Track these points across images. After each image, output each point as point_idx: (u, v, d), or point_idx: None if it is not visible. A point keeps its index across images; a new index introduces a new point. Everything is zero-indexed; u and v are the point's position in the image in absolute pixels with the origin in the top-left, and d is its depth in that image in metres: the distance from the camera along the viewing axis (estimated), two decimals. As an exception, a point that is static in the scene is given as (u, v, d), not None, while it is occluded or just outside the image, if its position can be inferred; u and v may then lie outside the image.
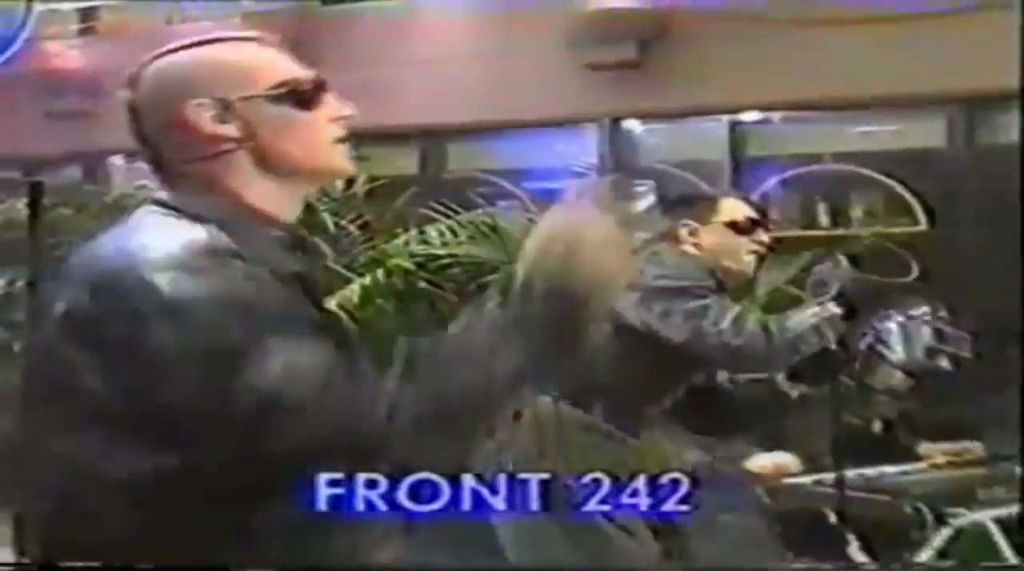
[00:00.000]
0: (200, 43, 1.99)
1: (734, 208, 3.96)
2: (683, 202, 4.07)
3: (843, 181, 8.31)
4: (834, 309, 3.65)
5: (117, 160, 10.45)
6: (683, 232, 3.86)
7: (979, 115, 7.98)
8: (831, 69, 7.83)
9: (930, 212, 7.96)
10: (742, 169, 8.61)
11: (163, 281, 1.75)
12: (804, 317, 3.66)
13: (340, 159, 2.01)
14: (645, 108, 8.75)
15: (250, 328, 1.75)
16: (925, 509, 4.76)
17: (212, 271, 1.79)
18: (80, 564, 1.82)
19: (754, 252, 3.91)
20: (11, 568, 2.12)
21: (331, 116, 1.99)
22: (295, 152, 1.95)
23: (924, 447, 5.50)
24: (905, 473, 5.14)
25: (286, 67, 1.98)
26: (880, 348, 4.12)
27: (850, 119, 8.51)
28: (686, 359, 3.69)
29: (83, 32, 10.99)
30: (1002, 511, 4.97)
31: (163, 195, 1.94)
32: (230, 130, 1.92)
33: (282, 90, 1.95)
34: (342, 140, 2.00)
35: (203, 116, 1.91)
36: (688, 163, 8.41)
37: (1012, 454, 5.31)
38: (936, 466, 5.24)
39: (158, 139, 1.96)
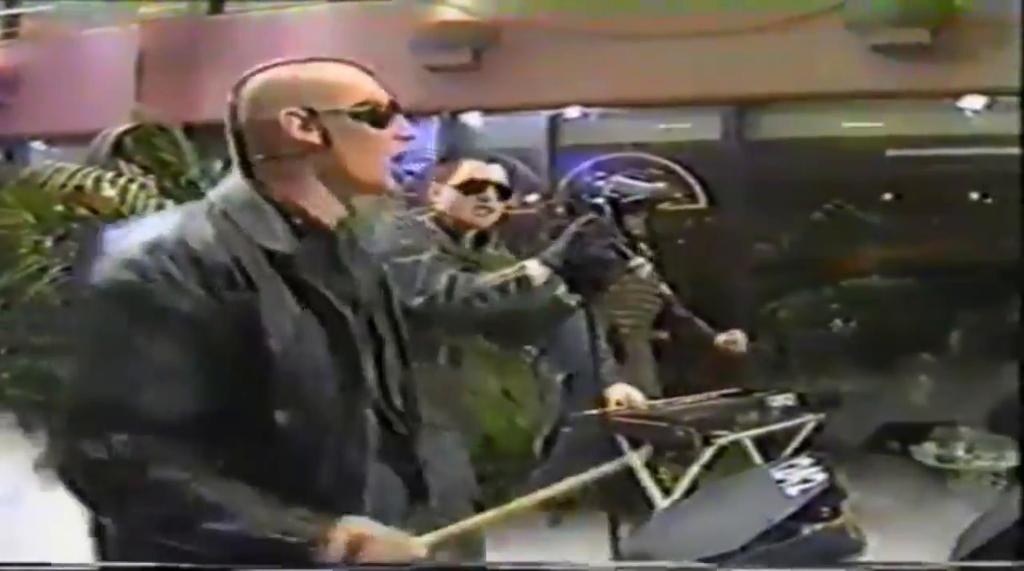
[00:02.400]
0: (303, 62, 1.99)
1: (470, 171, 3.71)
2: (439, 163, 3.95)
3: (640, 166, 8.42)
4: (531, 271, 3.18)
5: (37, 145, 10.31)
6: (430, 190, 3.73)
7: (747, 115, 8.17)
8: (634, 74, 7.94)
9: (708, 193, 8.13)
10: (558, 156, 8.72)
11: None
12: (493, 276, 3.29)
13: (387, 176, 1.98)
14: (478, 104, 8.83)
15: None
16: (694, 432, 4.92)
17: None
18: (90, 564, 1.87)
19: (480, 209, 3.67)
20: (14, 568, 2.07)
21: (397, 135, 1.98)
22: (359, 164, 1.94)
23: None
24: (678, 404, 5.20)
25: (369, 88, 1.97)
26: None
27: (647, 115, 8.65)
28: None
29: (6, 36, 10.78)
30: (755, 432, 5.25)
31: (214, 192, 1.95)
32: (312, 137, 1.91)
33: (363, 108, 1.94)
34: (399, 159, 1.99)
35: (293, 122, 1.91)
36: (514, 150, 8.40)
37: (763, 388, 5.62)
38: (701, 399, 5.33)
39: (248, 136, 1.95)
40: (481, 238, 3.78)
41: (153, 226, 1.90)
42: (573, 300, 3.15)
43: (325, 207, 1.96)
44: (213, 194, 1.96)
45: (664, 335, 5.89)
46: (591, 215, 3.60)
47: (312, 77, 1.96)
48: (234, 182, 1.96)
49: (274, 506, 1.77)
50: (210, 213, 1.91)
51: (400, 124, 1.99)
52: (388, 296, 2.11)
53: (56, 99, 9.63)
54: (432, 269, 3.26)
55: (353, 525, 1.79)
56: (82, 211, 6.63)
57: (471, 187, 3.68)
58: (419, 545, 1.83)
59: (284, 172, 1.93)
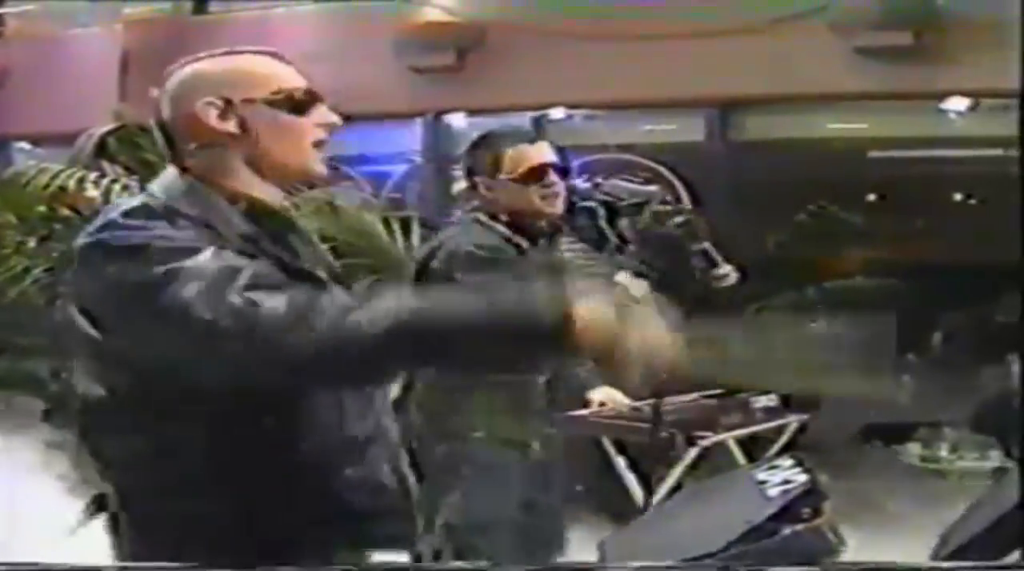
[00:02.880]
0: (222, 54, 2.03)
1: (530, 158, 3.39)
2: (477, 157, 3.49)
3: (623, 167, 8.47)
4: (633, 289, 3.00)
5: (20, 145, 10.27)
6: (480, 186, 3.40)
7: (731, 116, 8.22)
8: (618, 76, 7.98)
9: (692, 193, 8.06)
10: (543, 157, 8.77)
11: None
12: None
13: (315, 162, 2.01)
14: (462, 105, 8.83)
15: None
16: (677, 433, 4.85)
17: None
18: (89, 565, 1.88)
19: (546, 197, 3.39)
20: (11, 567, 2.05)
21: (317, 122, 2.00)
22: (281, 151, 1.97)
23: None
24: (661, 405, 5.11)
25: (287, 77, 2.00)
26: None
27: (632, 117, 8.69)
28: None
29: (-7, 35, 10.73)
30: (739, 432, 5.29)
31: (155, 187, 1.96)
32: (229, 126, 1.95)
33: (279, 96, 1.97)
34: (320, 145, 2.01)
35: (209, 113, 1.94)
36: None
37: (746, 389, 5.62)
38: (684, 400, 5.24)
39: (172, 129, 1.99)
40: (554, 232, 3.50)
41: (136, 226, 1.88)
42: None
43: (265, 192, 1.98)
44: (155, 186, 1.96)
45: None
46: (684, 217, 3.37)
47: (228, 67, 2.00)
48: (171, 176, 1.97)
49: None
50: (157, 206, 1.91)
51: (321, 112, 2.01)
52: (339, 283, 2.09)
53: (39, 99, 9.60)
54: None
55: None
56: (65, 212, 6.60)
57: (532, 175, 3.36)
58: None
59: (215, 162, 1.96)
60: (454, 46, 8.53)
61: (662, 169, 8.14)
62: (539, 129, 8.71)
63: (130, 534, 1.89)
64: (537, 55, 8.23)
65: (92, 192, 6.28)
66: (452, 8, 8.53)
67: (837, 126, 8.35)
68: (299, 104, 1.99)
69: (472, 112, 8.88)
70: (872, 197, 8.43)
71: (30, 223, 6.84)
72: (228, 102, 1.95)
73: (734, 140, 8.25)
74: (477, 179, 3.41)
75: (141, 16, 9.24)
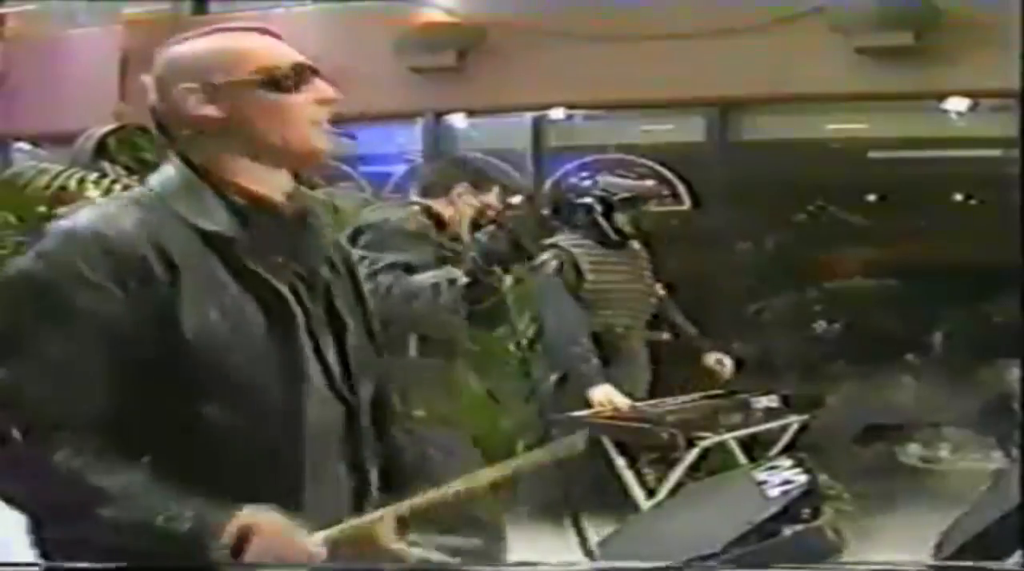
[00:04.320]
0: (204, 34, 1.91)
1: (494, 198, 4.00)
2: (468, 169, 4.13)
3: (625, 167, 8.44)
4: (456, 273, 3.45)
5: (20, 145, 10.27)
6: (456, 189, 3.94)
7: (731, 116, 8.17)
8: (618, 76, 7.92)
9: (693, 194, 8.12)
10: (543, 158, 8.70)
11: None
12: (426, 277, 3.49)
13: (316, 140, 1.87)
14: (463, 105, 8.79)
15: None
16: (678, 433, 4.92)
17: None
18: (82, 565, 1.77)
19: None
20: (11, 568, 2.01)
21: (314, 99, 1.87)
22: (276, 134, 1.84)
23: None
24: (662, 406, 5.23)
25: (274, 53, 1.88)
26: None
27: (632, 117, 8.63)
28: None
29: (-9, 35, 10.69)
30: (739, 433, 5.33)
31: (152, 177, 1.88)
32: (213, 111, 1.83)
33: (263, 75, 1.84)
34: (318, 122, 1.87)
35: (189, 99, 1.83)
36: (498, 152, 8.44)
37: (745, 389, 5.63)
38: (685, 401, 5.38)
39: (161, 118, 1.89)
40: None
41: (82, 214, 1.83)
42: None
43: (266, 182, 1.87)
44: (153, 178, 1.89)
45: (666, 336, 5.79)
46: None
47: (207, 48, 1.88)
48: (172, 165, 1.88)
49: (171, 496, 1.69)
50: (143, 198, 1.85)
51: (317, 88, 1.88)
52: (354, 278, 2.04)
53: (39, 99, 9.60)
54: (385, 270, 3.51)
55: (245, 516, 1.68)
56: (64, 212, 6.60)
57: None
58: (314, 542, 1.71)
59: (210, 150, 1.85)
60: (454, 46, 8.48)
61: (662, 169, 8.14)
62: (539, 129, 8.77)
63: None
64: (537, 55, 8.20)
65: (93, 192, 6.28)
66: (452, 8, 8.52)
67: (837, 126, 8.35)
68: (288, 81, 1.85)
69: (472, 112, 8.87)
70: (872, 197, 8.43)
71: (29, 224, 6.85)
72: (211, 86, 1.83)
73: (734, 140, 8.20)
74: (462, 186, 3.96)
75: (141, 16, 9.22)
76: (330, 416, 1.89)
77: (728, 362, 5.66)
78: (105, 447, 1.72)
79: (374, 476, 1.98)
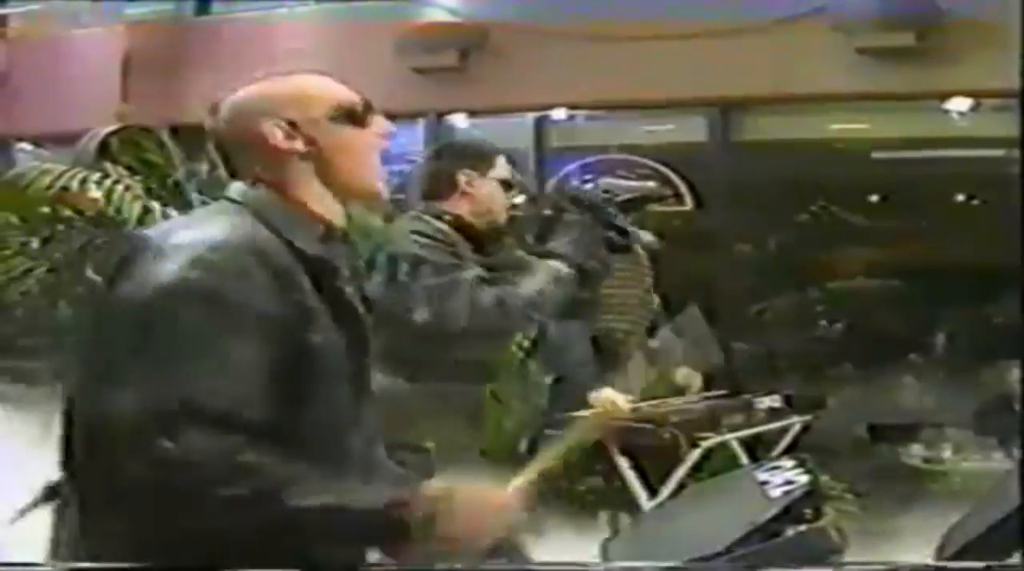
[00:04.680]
0: (275, 77, 2.05)
1: (504, 167, 3.59)
2: (464, 152, 3.66)
3: (627, 167, 8.26)
4: (563, 269, 3.36)
5: (23, 146, 10.29)
6: (462, 179, 3.50)
7: (733, 117, 8.16)
8: (620, 76, 7.93)
9: (695, 194, 8.13)
10: (545, 158, 8.71)
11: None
12: (534, 281, 3.34)
13: (378, 180, 2.05)
14: (465, 106, 8.80)
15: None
16: (680, 434, 4.96)
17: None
18: (83, 565, 1.82)
19: (509, 207, 3.60)
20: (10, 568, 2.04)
21: (377, 132, 2.04)
22: (348, 166, 2.00)
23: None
24: (664, 407, 5.21)
25: (341, 92, 2.03)
26: None
27: (634, 117, 8.64)
28: (434, 338, 3.24)
29: (-4, 37, 10.73)
30: (741, 433, 5.34)
31: (235, 193, 1.99)
32: (297, 145, 1.97)
33: (340, 111, 1.99)
34: (378, 154, 2.04)
35: (276, 133, 1.97)
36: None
37: (750, 390, 5.63)
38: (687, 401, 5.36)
39: (234, 153, 2.02)
40: (497, 238, 3.66)
41: (205, 225, 1.92)
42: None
43: (334, 211, 2.01)
44: (238, 196, 1.98)
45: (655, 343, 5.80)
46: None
47: (286, 89, 2.03)
48: (253, 188, 1.99)
49: (339, 481, 1.82)
50: (244, 215, 1.94)
51: (378, 122, 2.04)
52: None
53: (42, 100, 9.62)
54: (475, 286, 3.24)
55: (434, 487, 1.84)
56: (67, 212, 6.61)
57: (506, 185, 3.57)
58: (507, 492, 1.90)
59: (290, 178, 1.98)
60: (456, 47, 8.49)
61: (664, 169, 8.15)
62: (541, 130, 8.77)
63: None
64: (539, 56, 8.20)
65: (95, 193, 6.29)
66: (454, 9, 8.52)
67: (839, 126, 8.35)
68: (359, 117, 2.01)
69: (474, 113, 8.87)
70: (874, 197, 8.43)
71: (32, 224, 6.86)
72: (292, 123, 1.97)
73: (736, 141, 8.20)
74: (466, 173, 3.52)
75: (143, 17, 9.24)
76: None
77: (697, 377, 5.63)
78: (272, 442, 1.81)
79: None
